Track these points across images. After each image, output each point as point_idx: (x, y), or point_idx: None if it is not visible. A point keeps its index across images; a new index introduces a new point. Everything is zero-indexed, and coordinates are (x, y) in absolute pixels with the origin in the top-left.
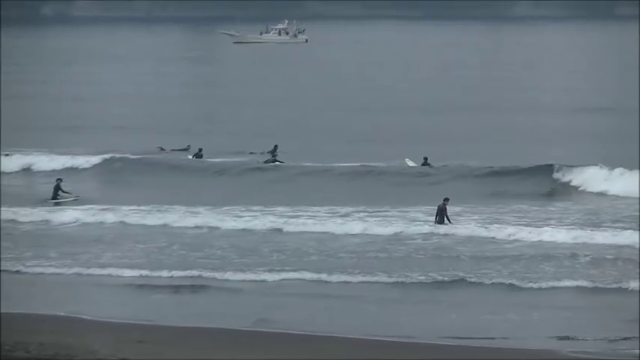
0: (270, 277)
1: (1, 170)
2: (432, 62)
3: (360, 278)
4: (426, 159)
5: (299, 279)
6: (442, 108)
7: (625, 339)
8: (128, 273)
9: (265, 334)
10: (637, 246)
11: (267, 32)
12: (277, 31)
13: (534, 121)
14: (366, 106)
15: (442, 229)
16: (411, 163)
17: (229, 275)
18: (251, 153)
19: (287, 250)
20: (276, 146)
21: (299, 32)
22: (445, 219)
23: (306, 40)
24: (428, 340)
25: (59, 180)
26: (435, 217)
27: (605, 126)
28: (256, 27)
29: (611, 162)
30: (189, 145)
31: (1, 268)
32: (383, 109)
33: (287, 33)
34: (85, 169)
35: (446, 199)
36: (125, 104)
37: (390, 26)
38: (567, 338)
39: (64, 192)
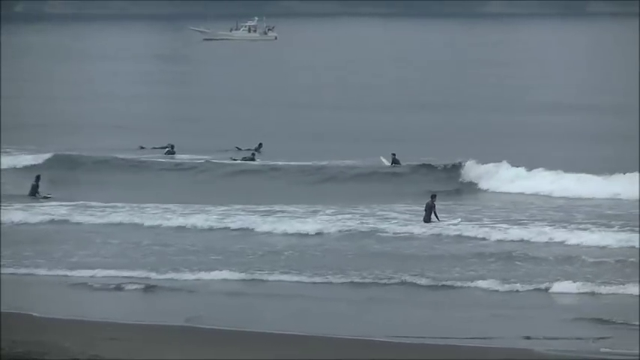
0: (218, 275)
1: None
2: (403, 60)
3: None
4: (394, 155)
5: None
6: (408, 106)
7: (599, 339)
8: (81, 273)
9: (237, 333)
10: (568, 244)
11: (236, 29)
12: (247, 28)
13: (494, 119)
14: (334, 104)
15: (400, 227)
16: (386, 162)
17: (176, 275)
18: (237, 148)
19: (231, 250)
20: (260, 144)
21: (269, 29)
22: (433, 216)
23: (276, 38)
24: (386, 339)
25: (38, 177)
26: (424, 215)
27: (568, 125)
28: (227, 24)
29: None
30: (169, 144)
31: None
32: (351, 107)
33: (256, 30)
34: (45, 167)
35: (433, 196)
36: (101, 103)
37: (363, 23)
38: (532, 338)
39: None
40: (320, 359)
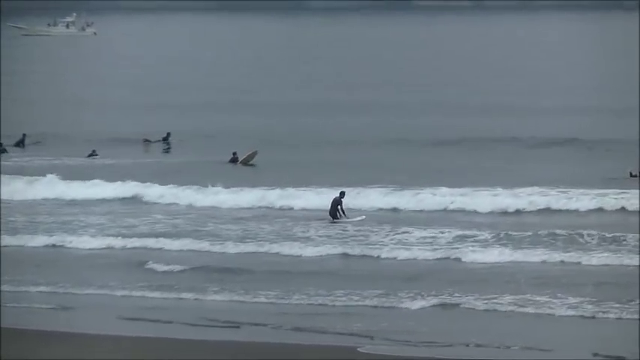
0: None
1: None
2: (219, 56)
3: None
4: (234, 153)
5: None
6: (200, 105)
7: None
8: None
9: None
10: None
11: (55, 25)
12: (65, 24)
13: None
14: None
15: None
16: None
17: None
18: (146, 140)
19: None
20: (168, 134)
21: (87, 25)
22: (341, 212)
23: (95, 33)
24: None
25: None
26: (330, 210)
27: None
28: (47, 20)
29: None
30: (24, 134)
31: None
32: (160, 105)
33: (75, 26)
34: None
35: (342, 193)
36: None
37: (185, 18)
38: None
39: None
40: None
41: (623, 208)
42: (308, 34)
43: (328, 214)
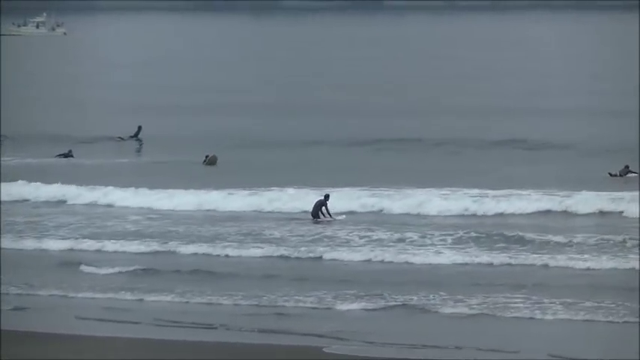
0: None
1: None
2: (193, 56)
3: None
4: (206, 156)
5: None
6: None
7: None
8: None
9: None
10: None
11: (24, 25)
12: (35, 24)
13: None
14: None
15: None
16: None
17: None
18: (119, 138)
19: None
20: (139, 127)
21: (57, 25)
22: (327, 213)
23: (65, 33)
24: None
25: None
26: (312, 211)
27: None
28: (17, 19)
29: None
30: None
31: None
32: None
33: (45, 26)
34: None
35: (327, 196)
36: None
37: (160, 18)
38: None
39: None
40: None
41: (599, 210)
42: (280, 34)
43: (310, 214)
